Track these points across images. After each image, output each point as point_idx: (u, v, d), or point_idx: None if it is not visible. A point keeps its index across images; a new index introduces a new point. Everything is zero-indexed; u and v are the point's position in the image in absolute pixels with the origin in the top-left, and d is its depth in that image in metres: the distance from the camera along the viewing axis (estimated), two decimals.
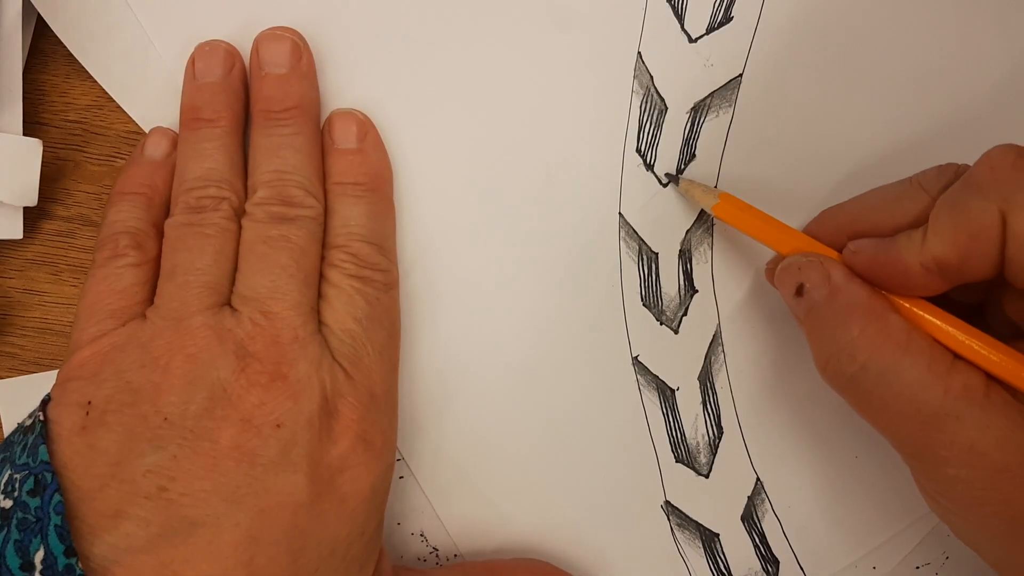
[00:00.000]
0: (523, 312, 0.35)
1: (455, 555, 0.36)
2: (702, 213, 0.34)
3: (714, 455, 0.35)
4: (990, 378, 0.26)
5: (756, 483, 0.36)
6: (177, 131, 0.32)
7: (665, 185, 0.34)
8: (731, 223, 0.32)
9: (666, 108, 0.34)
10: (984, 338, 0.27)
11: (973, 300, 0.30)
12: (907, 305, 0.28)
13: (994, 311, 0.30)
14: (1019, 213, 0.25)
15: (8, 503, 0.26)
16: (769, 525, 0.36)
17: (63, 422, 0.27)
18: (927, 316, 0.28)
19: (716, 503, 0.36)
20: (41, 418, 0.27)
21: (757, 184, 0.33)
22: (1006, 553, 0.27)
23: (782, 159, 0.34)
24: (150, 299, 0.30)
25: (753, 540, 0.36)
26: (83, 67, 0.34)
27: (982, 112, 0.34)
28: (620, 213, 0.34)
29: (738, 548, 0.36)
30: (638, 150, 0.34)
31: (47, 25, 0.33)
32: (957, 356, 0.27)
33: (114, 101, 0.34)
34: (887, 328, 0.27)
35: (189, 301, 0.29)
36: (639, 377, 0.35)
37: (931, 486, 0.28)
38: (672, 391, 0.35)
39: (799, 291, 0.29)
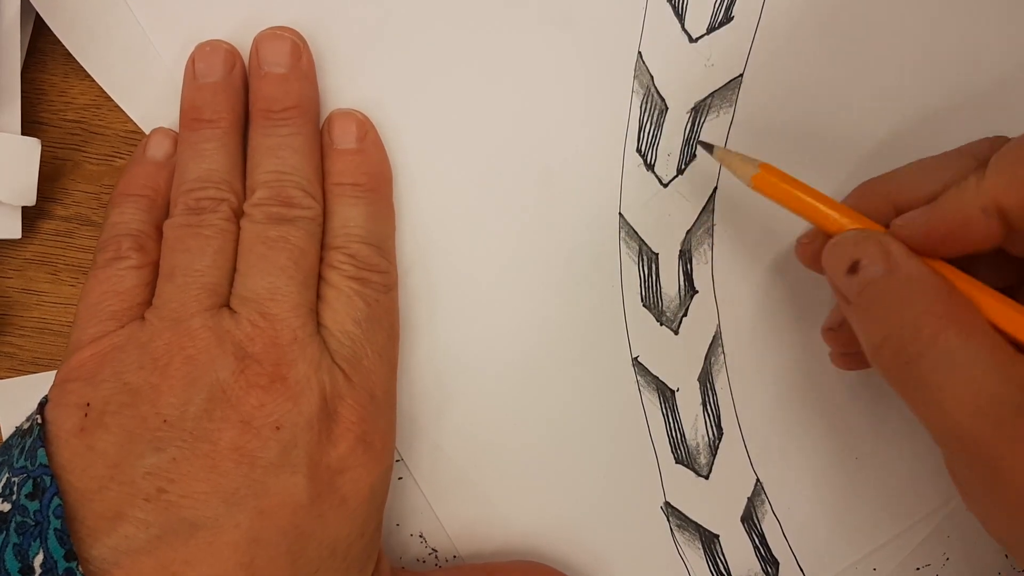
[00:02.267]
0: (523, 312, 0.35)
1: (454, 556, 0.36)
2: (702, 213, 0.34)
3: (714, 456, 0.35)
4: None
5: (756, 484, 0.36)
6: (177, 131, 0.32)
7: (666, 185, 0.34)
8: (771, 195, 0.30)
9: (666, 108, 0.34)
10: None
11: (1008, 283, 0.29)
12: (966, 289, 0.26)
13: None
14: None
15: (6, 507, 0.26)
16: (769, 526, 0.36)
17: (61, 423, 0.27)
18: (986, 299, 0.26)
19: (716, 504, 0.36)
20: (39, 421, 0.27)
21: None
22: None
23: (783, 159, 0.34)
24: (150, 300, 0.30)
25: (753, 541, 0.36)
26: (82, 66, 0.34)
27: (983, 112, 0.34)
28: (620, 213, 0.34)
29: (738, 549, 0.36)
30: (638, 150, 0.34)
31: (46, 24, 0.33)
32: (1019, 349, 0.25)
33: (113, 100, 0.34)
34: (952, 306, 0.25)
35: (188, 302, 0.29)
36: (639, 378, 0.35)
37: (989, 494, 0.25)
38: (672, 392, 0.35)
39: (853, 268, 0.27)
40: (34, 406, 0.28)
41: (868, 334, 0.27)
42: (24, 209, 0.33)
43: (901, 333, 0.25)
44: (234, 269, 0.30)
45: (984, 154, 0.27)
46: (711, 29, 0.33)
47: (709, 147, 0.32)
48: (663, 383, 0.35)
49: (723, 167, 0.32)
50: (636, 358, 0.35)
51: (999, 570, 0.36)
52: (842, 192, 0.32)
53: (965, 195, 0.26)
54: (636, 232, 0.34)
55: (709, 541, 0.36)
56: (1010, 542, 0.26)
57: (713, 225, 0.35)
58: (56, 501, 0.25)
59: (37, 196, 0.33)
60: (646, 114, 0.34)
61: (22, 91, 0.33)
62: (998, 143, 0.27)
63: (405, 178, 0.34)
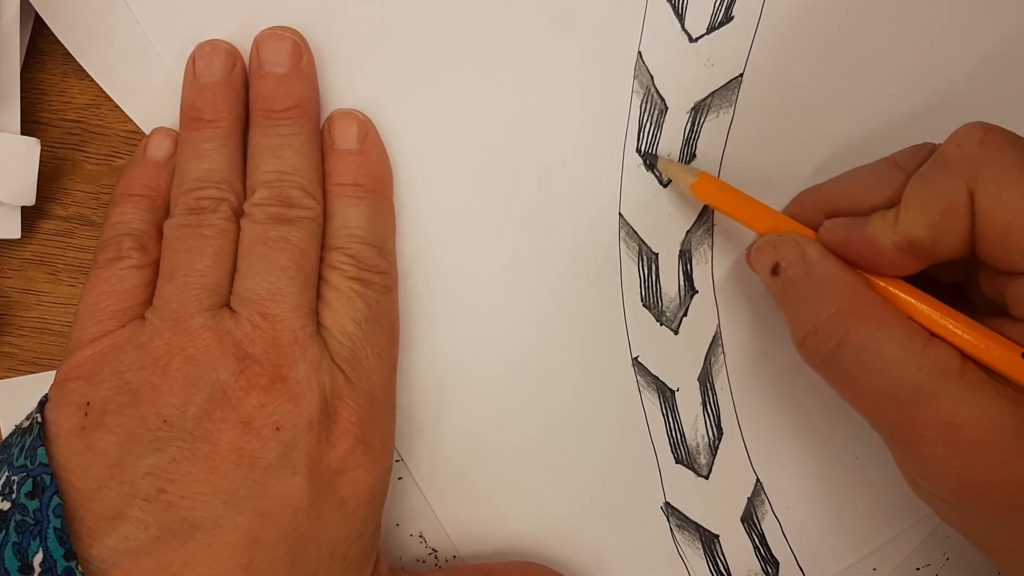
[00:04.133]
0: (523, 313, 0.35)
1: (454, 556, 0.36)
2: (702, 213, 0.34)
3: (714, 456, 0.35)
4: (965, 357, 0.26)
5: (756, 484, 0.36)
6: (177, 131, 0.32)
7: (666, 185, 0.34)
8: (709, 202, 0.32)
9: (666, 108, 0.34)
10: (958, 316, 0.27)
11: (954, 279, 0.30)
12: (882, 284, 0.28)
13: (974, 289, 0.30)
14: (986, 188, 0.25)
15: (6, 505, 0.25)
16: (769, 526, 0.36)
17: (61, 423, 0.27)
18: (901, 295, 0.28)
19: (716, 504, 0.36)
20: (39, 420, 0.27)
21: (758, 183, 0.33)
22: (989, 535, 0.28)
23: (783, 159, 0.34)
24: (151, 300, 0.30)
25: (753, 541, 0.36)
26: (82, 66, 0.34)
27: (983, 112, 0.33)
28: (620, 213, 0.34)
29: (738, 549, 0.36)
30: (638, 150, 0.34)
31: (46, 24, 0.33)
32: (933, 335, 0.27)
33: (113, 100, 0.34)
34: (864, 304, 0.27)
35: (188, 303, 0.29)
36: (639, 378, 0.35)
37: (911, 467, 0.28)
38: (672, 392, 0.35)
39: (775, 270, 0.29)
40: (34, 406, 0.28)
41: (793, 330, 0.29)
42: (24, 209, 0.33)
43: (818, 330, 0.28)
44: (234, 269, 0.30)
45: (908, 165, 0.29)
46: (711, 29, 0.33)
47: (653, 157, 0.34)
48: (663, 383, 0.35)
49: (666, 175, 0.34)
50: (636, 358, 0.35)
51: (999, 570, 0.36)
52: None
53: (883, 229, 0.27)
54: (636, 232, 0.34)
55: (709, 541, 0.36)
56: (955, 525, 0.29)
57: (713, 225, 0.35)
58: (56, 500, 0.25)
59: (37, 196, 0.33)
60: (646, 114, 0.34)
61: (22, 91, 0.33)
62: (920, 152, 0.29)
63: (405, 178, 0.34)
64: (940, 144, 0.28)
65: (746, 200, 0.31)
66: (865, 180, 0.30)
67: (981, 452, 0.25)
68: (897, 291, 0.28)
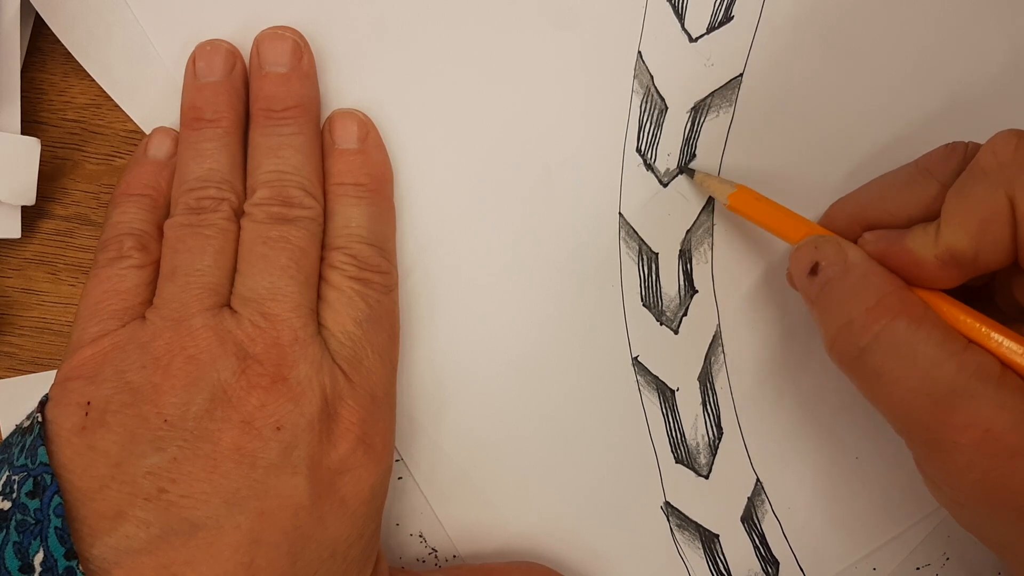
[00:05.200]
0: (523, 312, 0.35)
1: (454, 556, 0.36)
2: (702, 213, 0.34)
3: (714, 456, 0.35)
4: (1004, 365, 0.26)
5: (756, 484, 0.36)
6: (177, 131, 0.32)
7: (666, 185, 0.34)
8: (746, 214, 0.32)
9: (666, 108, 0.34)
10: (997, 326, 0.26)
11: (980, 283, 0.30)
12: (921, 292, 0.28)
13: (1003, 294, 0.29)
14: None
15: (7, 505, 0.25)
16: (769, 526, 0.36)
17: (62, 422, 0.27)
18: (939, 302, 0.27)
19: (716, 504, 0.36)
20: (39, 419, 0.27)
21: (758, 183, 0.33)
22: (1012, 541, 0.27)
23: (783, 158, 0.34)
24: (152, 300, 0.30)
25: (753, 541, 0.36)
26: (82, 66, 0.34)
27: (984, 109, 0.34)
28: (620, 213, 0.34)
29: (738, 549, 0.36)
30: (638, 150, 0.34)
31: (46, 24, 0.33)
32: (970, 340, 0.26)
33: (113, 100, 0.34)
34: (904, 300, 0.27)
35: (189, 302, 0.29)
36: (639, 378, 0.35)
37: (937, 471, 0.27)
38: (672, 392, 0.35)
39: (814, 269, 0.29)
40: (34, 406, 0.28)
41: (825, 328, 0.28)
42: (24, 209, 0.33)
43: (853, 324, 0.27)
44: (235, 269, 0.30)
45: (940, 171, 0.28)
46: (711, 29, 0.33)
47: (690, 171, 0.34)
48: (663, 383, 0.35)
49: (704, 188, 0.34)
50: (636, 358, 0.35)
51: (999, 570, 0.36)
52: (843, 190, 0.32)
53: (925, 242, 0.27)
54: (636, 232, 0.34)
55: (709, 541, 0.36)
56: (973, 529, 0.28)
57: (713, 225, 0.35)
58: (57, 500, 0.25)
59: (37, 196, 0.33)
60: (646, 114, 0.34)
61: (22, 91, 0.33)
62: (952, 157, 0.28)
63: (406, 178, 0.34)
64: (972, 143, 0.28)
65: (783, 211, 0.31)
66: (898, 190, 0.29)
67: (1016, 460, 0.25)
68: (935, 300, 0.27)
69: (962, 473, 0.26)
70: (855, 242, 0.29)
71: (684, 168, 0.34)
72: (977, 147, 0.27)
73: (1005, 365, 0.26)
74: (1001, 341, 0.26)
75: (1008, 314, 0.28)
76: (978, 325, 0.27)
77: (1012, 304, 0.29)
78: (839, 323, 0.28)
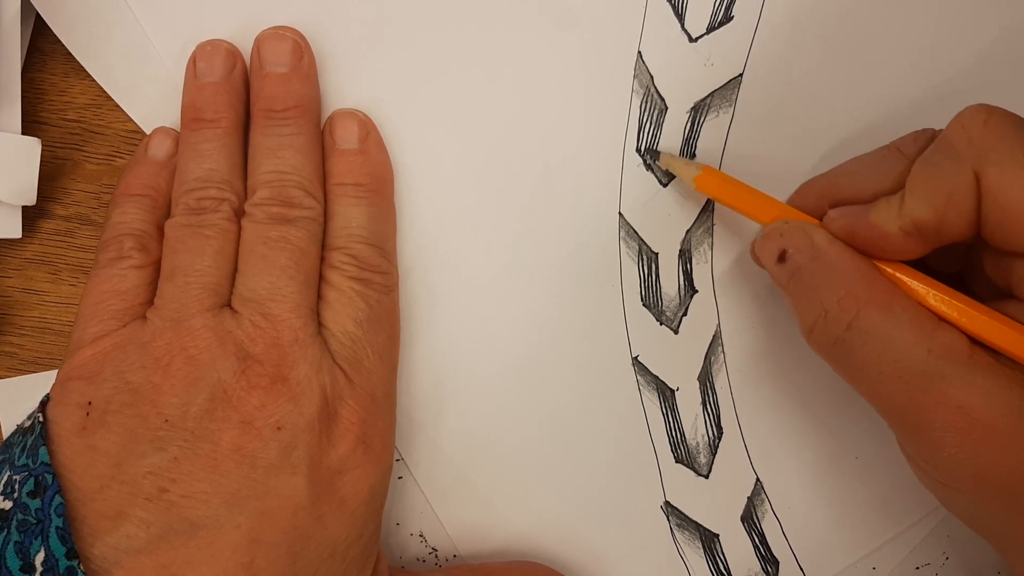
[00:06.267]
0: (523, 312, 0.35)
1: (454, 556, 0.36)
2: (702, 213, 0.34)
3: (714, 455, 0.35)
4: (973, 341, 0.26)
5: (756, 483, 0.36)
6: (178, 131, 0.32)
7: (666, 185, 0.34)
8: (713, 195, 0.32)
9: (666, 108, 0.34)
10: (965, 300, 0.27)
11: (953, 269, 0.30)
12: (889, 269, 0.28)
13: (974, 275, 0.30)
14: (991, 171, 0.25)
15: (8, 504, 0.26)
16: (769, 526, 0.36)
17: (63, 422, 0.27)
18: (908, 280, 0.28)
19: (716, 503, 0.36)
20: (40, 419, 0.27)
21: (758, 183, 0.33)
22: (996, 522, 0.27)
23: (782, 158, 0.34)
24: (152, 300, 0.30)
25: (753, 541, 0.36)
26: (82, 66, 0.34)
27: None
28: (620, 213, 0.34)
29: (738, 549, 0.36)
30: (638, 150, 0.34)
31: (46, 24, 0.33)
32: (941, 319, 0.27)
33: (113, 100, 0.34)
34: (872, 288, 0.27)
35: (189, 302, 0.29)
36: (639, 377, 0.35)
37: (918, 454, 0.28)
38: (672, 391, 0.35)
39: (781, 257, 0.29)
40: (35, 406, 0.28)
41: (800, 317, 0.29)
42: (24, 209, 0.33)
43: (827, 315, 0.28)
44: (235, 269, 0.30)
45: (910, 150, 0.29)
46: (711, 29, 0.33)
47: (655, 153, 0.34)
48: (663, 382, 0.35)
49: (671, 171, 0.34)
50: (636, 358, 0.35)
51: (999, 569, 0.36)
52: None
53: (888, 213, 0.27)
54: (636, 232, 0.34)
55: (709, 541, 0.36)
56: (960, 513, 0.29)
57: (713, 225, 0.35)
58: (58, 499, 0.25)
59: (37, 196, 0.33)
60: (646, 114, 0.34)
61: (22, 91, 0.33)
62: (922, 138, 0.29)
63: (406, 178, 0.34)
64: (942, 129, 0.28)
65: (750, 192, 0.31)
66: (867, 167, 0.30)
67: (991, 436, 0.25)
68: (904, 276, 0.28)
69: (940, 452, 0.26)
70: (821, 219, 0.30)
71: (650, 150, 0.34)
72: None
73: (974, 342, 0.26)
74: (968, 316, 0.27)
75: (981, 297, 0.28)
76: (947, 300, 0.27)
77: (985, 285, 0.29)
78: (814, 314, 0.28)
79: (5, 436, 0.35)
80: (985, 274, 0.29)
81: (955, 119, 0.27)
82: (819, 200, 0.31)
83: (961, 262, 0.30)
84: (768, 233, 0.30)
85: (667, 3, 0.33)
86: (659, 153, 0.34)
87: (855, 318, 0.27)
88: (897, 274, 0.28)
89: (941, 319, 0.27)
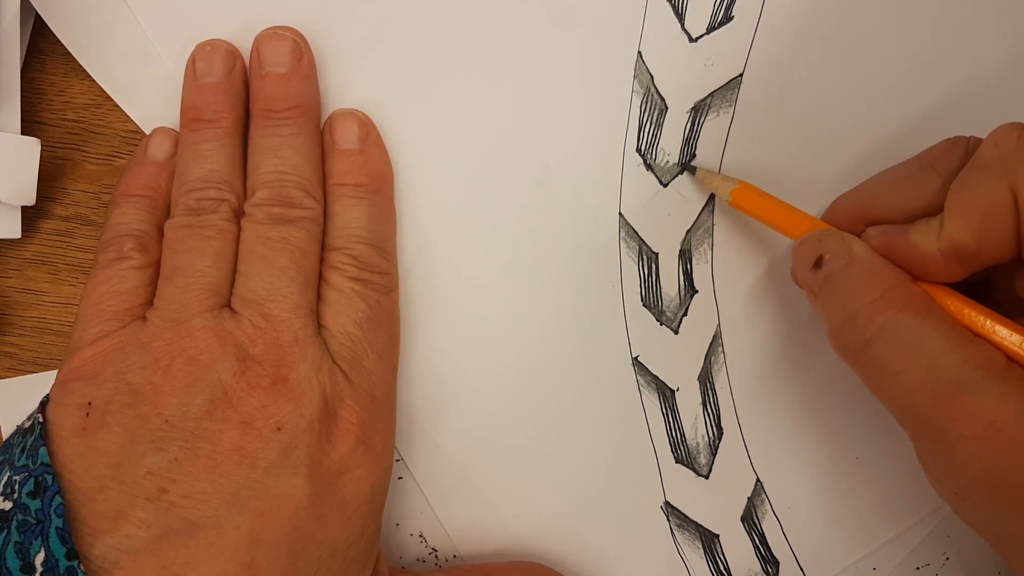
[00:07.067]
0: (523, 312, 0.35)
1: (454, 556, 0.36)
2: (702, 213, 0.34)
3: (714, 456, 0.35)
4: (1009, 359, 0.26)
5: (756, 484, 0.36)
6: (177, 131, 0.32)
7: (666, 185, 0.34)
8: (749, 211, 0.32)
9: (666, 108, 0.34)
10: (1002, 319, 0.26)
11: (980, 277, 0.30)
12: (925, 287, 0.28)
13: (1003, 288, 0.29)
14: None
15: (8, 505, 0.26)
16: (769, 526, 0.36)
17: (63, 423, 0.27)
18: (944, 296, 0.27)
19: (716, 504, 0.36)
20: (40, 420, 0.27)
21: (758, 183, 0.33)
22: (1010, 533, 0.27)
23: (783, 158, 0.34)
24: (152, 301, 0.30)
25: (753, 541, 0.36)
26: (82, 66, 0.34)
27: (984, 106, 0.34)
28: (620, 213, 0.34)
29: (738, 549, 0.36)
30: (638, 150, 0.34)
31: (46, 24, 0.33)
32: (976, 334, 0.26)
33: (113, 100, 0.34)
34: (909, 292, 0.27)
35: (189, 303, 0.29)
36: (639, 377, 0.35)
37: (939, 464, 0.27)
38: (672, 392, 0.35)
39: (818, 263, 0.29)
40: (34, 406, 0.28)
41: (830, 319, 0.28)
42: (24, 209, 0.33)
43: (858, 316, 0.27)
44: (235, 270, 0.30)
45: (942, 166, 0.28)
46: (711, 29, 0.33)
47: (692, 168, 0.34)
48: (663, 383, 0.35)
49: (706, 186, 0.34)
50: (636, 358, 0.35)
51: (999, 570, 0.36)
52: (840, 190, 0.32)
53: (928, 236, 0.27)
54: (636, 232, 0.34)
55: (709, 541, 0.36)
56: (974, 523, 0.28)
57: (713, 225, 0.35)
58: (58, 500, 0.25)
59: (37, 196, 0.33)
60: (646, 114, 0.34)
61: (22, 91, 0.33)
62: (954, 152, 0.28)
63: (405, 178, 0.34)
64: (973, 137, 0.28)
65: (785, 207, 0.31)
66: (901, 185, 0.29)
67: (1020, 451, 0.24)
68: (939, 294, 0.27)
69: (965, 466, 0.25)
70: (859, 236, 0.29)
71: (686, 166, 0.34)
72: (979, 141, 0.27)
73: (1010, 359, 0.26)
74: (1006, 335, 0.26)
75: (1008, 308, 0.28)
76: (983, 319, 0.26)
77: (1012, 298, 0.29)
78: (843, 315, 0.28)
79: (5, 436, 0.35)
80: (1015, 289, 0.28)
81: (989, 137, 0.27)
82: (853, 216, 0.31)
83: (989, 271, 0.30)
84: (807, 240, 0.30)
85: (667, 3, 0.33)
86: (695, 168, 0.34)
87: (888, 320, 0.26)
88: (933, 291, 0.27)
89: (976, 334, 0.26)
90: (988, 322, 0.26)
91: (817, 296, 0.29)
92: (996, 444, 0.25)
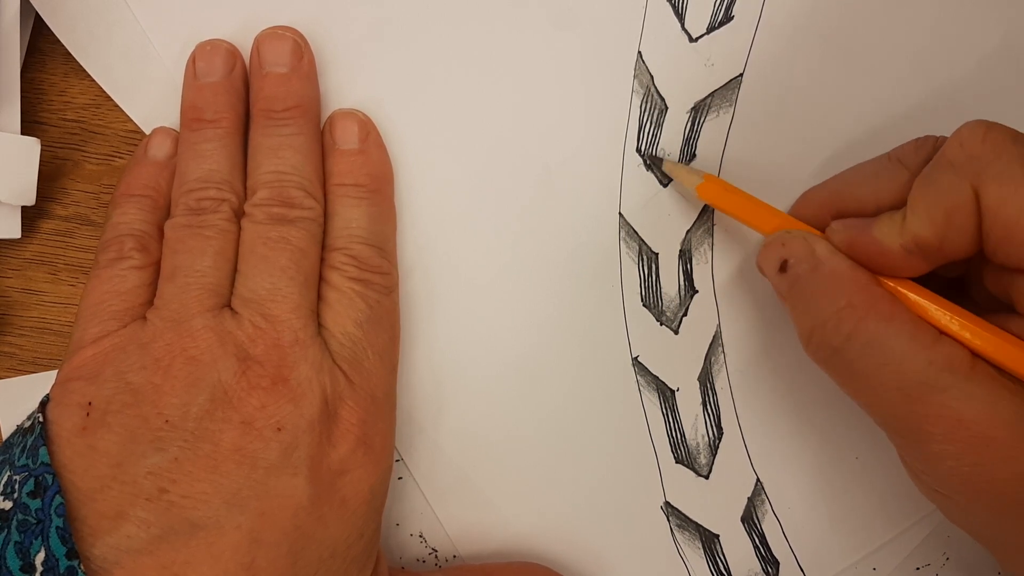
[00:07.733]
0: (523, 313, 0.35)
1: (454, 556, 0.36)
2: (702, 213, 0.34)
3: (714, 456, 0.35)
4: (974, 355, 0.26)
5: (756, 484, 0.36)
6: (177, 131, 0.32)
7: (666, 185, 0.34)
8: (715, 204, 0.32)
9: (666, 108, 0.34)
10: (966, 315, 0.27)
11: (954, 274, 0.30)
12: (890, 284, 0.28)
13: (975, 285, 0.30)
14: (990, 187, 0.25)
15: (8, 505, 0.26)
16: (769, 526, 0.36)
17: (63, 423, 0.27)
18: (909, 294, 0.28)
19: (716, 504, 0.36)
20: (40, 420, 0.27)
21: (758, 183, 0.33)
22: (994, 531, 0.27)
23: (783, 158, 0.34)
24: (152, 300, 0.30)
25: (753, 541, 0.36)
26: (82, 66, 0.34)
27: (983, 107, 0.34)
28: (620, 213, 0.34)
29: (738, 549, 0.36)
30: (638, 150, 0.34)
31: (46, 24, 0.33)
32: (941, 332, 0.27)
33: (113, 100, 0.34)
34: (872, 298, 0.27)
35: (189, 303, 0.29)
36: (639, 378, 0.35)
37: (917, 464, 0.28)
38: (672, 392, 0.35)
39: (783, 267, 0.29)
40: (34, 406, 0.28)
41: (799, 326, 0.29)
42: (24, 209, 0.33)
43: (826, 324, 0.28)
44: (235, 270, 0.30)
45: (911, 161, 0.29)
46: (711, 29, 0.33)
47: (658, 160, 0.34)
48: (663, 383, 0.35)
49: (672, 176, 0.34)
50: (636, 358, 0.35)
51: (998, 570, 0.36)
52: None
53: (891, 230, 0.27)
54: (636, 232, 0.34)
55: (709, 541, 0.36)
56: (959, 521, 0.28)
57: (713, 225, 0.35)
58: (58, 499, 0.25)
59: (37, 196, 0.33)
60: (646, 114, 0.34)
61: (22, 91, 0.33)
62: (923, 148, 0.29)
63: (406, 178, 0.34)
64: (943, 137, 0.28)
65: (752, 201, 0.31)
66: (869, 179, 0.30)
67: (989, 448, 0.25)
68: (905, 291, 0.28)
69: (939, 464, 0.26)
70: (824, 230, 0.30)
71: (653, 158, 0.34)
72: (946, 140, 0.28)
73: (975, 355, 0.26)
74: (971, 331, 0.27)
75: (982, 305, 0.28)
76: (948, 315, 0.27)
77: (985, 295, 0.29)
78: (811, 324, 0.28)
79: (5, 436, 0.35)
80: (985, 286, 0.29)
81: (953, 135, 0.27)
82: (821, 210, 0.31)
83: (961, 268, 0.30)
84: (770, 242, 0.30)
85: (667, 3, 0.33)
86: (662, 159, 0.34)
87: (854, 328, 0.27)
88: (899, 288, 0.28)
89: (942, 332, 0.27)
90: (953, 318, 0.27)
91: (785, 299, 0.30)
92: (964, 441, 0.25)
